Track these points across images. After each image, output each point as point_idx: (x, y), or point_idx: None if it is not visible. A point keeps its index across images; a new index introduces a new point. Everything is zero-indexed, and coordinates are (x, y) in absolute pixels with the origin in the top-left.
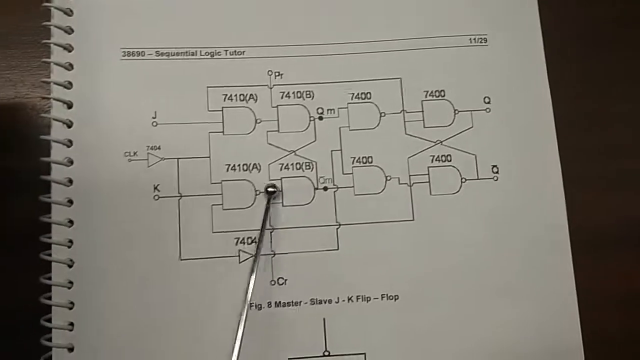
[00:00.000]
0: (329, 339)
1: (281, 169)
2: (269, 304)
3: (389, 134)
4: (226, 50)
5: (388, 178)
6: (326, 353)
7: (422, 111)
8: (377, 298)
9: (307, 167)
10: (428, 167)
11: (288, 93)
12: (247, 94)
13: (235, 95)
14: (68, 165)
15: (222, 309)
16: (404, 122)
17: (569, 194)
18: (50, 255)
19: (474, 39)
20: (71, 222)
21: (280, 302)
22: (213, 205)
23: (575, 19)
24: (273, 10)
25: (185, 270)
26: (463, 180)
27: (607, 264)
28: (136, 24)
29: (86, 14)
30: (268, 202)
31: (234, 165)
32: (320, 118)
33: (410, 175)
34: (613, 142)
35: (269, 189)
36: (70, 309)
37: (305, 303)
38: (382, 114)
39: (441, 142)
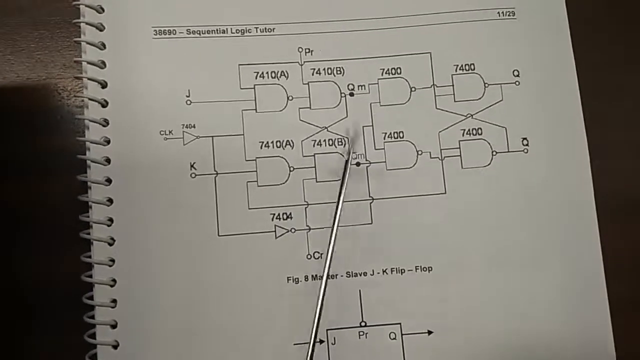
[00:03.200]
0: (365, 310)
1: (314, 146)
2: (306, 277)
3: (419, 108)
4: (256, 28)
5: (419, 152)
6: (363, 323)
7: (453, 85)
8: (411, 270)
9: (340, 143)
10: (459, 141)
11: (319, 70)
12: (278, 71)
13: (267, 72)
14: (105, 144)
15: (260, 283)
16: (435, 96)
17: (594, 163)
18: (89, 234)
19: (502, 12)
20: (110, 200)
21: (316, 275)
22: (248, 182)
23: None
24: None
25: (223, 246)
26: (494, 153)
27: (634, 230)
28: (167, 2)
29: None
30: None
31: (268, 143)
32: (352, 94)
33: (441, 149)
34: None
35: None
36: (112, 286)
37: (341, 276)
38: (413, 89)
39: (472, 115)
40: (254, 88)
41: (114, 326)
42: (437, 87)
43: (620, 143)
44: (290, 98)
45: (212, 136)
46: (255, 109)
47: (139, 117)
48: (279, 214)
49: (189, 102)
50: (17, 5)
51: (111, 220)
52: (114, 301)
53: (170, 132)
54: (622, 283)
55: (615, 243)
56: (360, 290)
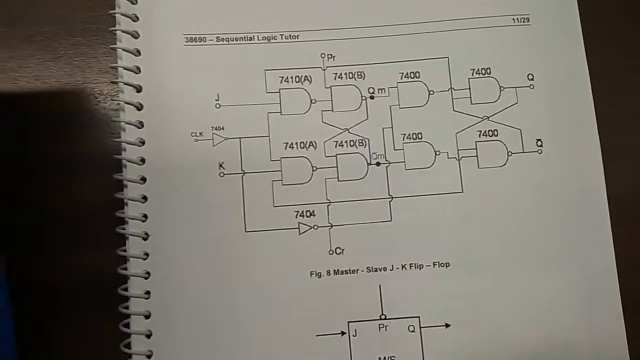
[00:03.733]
0: (385, 303)
1: (336, 146)
2: (328, 272)
3: (437, 111)
4: (282, 35)
5: (437, 153)
6: (382, 316)
7: (469, 88)
8: (429, 265)
9: (360, 144)
10: (475, 142)
11: (340, 74)
12: (302, 76)
13: (291, 77)
14: (140, 145)
15: (285, 277)
16: (452, 99)
17: (607, 165)
18: (125, 229)
19: (517, 18)
20: (145, 198)
21: (338, 270)
22: (273, 181)
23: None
24: None
25: (250, 242)
26: (509, 153)
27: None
28: (197, 11)
29: (150, 2)
30: None
31: (292, 144)
32: (372, 97)
33: (458, 150)
34: None
35: None
36: (146, 278)
37: (362, 271)
38: (431, 92)
39: (488, 117)
40: (279, 92)
41: (147, 316)
42: (454, 90)
43: (633, 146)
44: (313, 101)
45: (240, 137)
46: (280, 112)
47: (171, 120)
48: (302, 212)
49: (218, 106)
50: (56, 14)
51: (145, 216)
52: (148, 292)
53: (200, 133)
54: (637, 283)
55: (628, 243)
56: (380, 285)
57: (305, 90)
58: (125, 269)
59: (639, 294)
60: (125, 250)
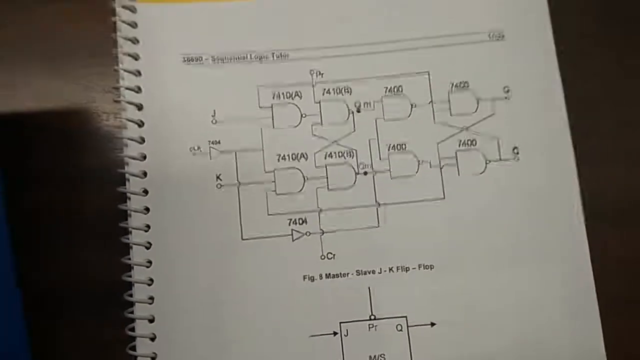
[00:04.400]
0: (374, 304)
1: (325, 157)
2: (320, 275)
3: (419, 123)
4: (273, 54)
5: (420, 162)
6: (372, 317)
7: (449, 101)
8: (415, 268)
9: (349, 155)
10: (456, 151)
11: (329, 89)
12: (292, 92)
13: (283, 93)
14: (142, 160)
15: (279, 281)
16: (433, 112)
17: (581, 169)
18: (129, 239)
19: (492, 34)
20: (147, 209)
21: (330, 274)
22: (267, 191)
23: (583, 10)
24: (313, 17)
25: (247, 249)
26: (487, 162)
27: (622, 233)
28: (193, 33)
29: (149, 25)
30: None
31: (284, 155)
32: (358, 111)
33: (440, 159)
34: (624, 119)
35: None
36: (150, 285)
37: (352, 274)
38: (413, 105)
39: (467, 128)
40: (272, 107)
41: (151, 320)
42: (434, 103)
43: (606, 150)
44: (303, 115)
45: (235, 151)
46: (273, 126)
47: (170, 136)
48: (295, 219)
49: (214, 121)
50: (62, 38)
51: (148, 226)
52: (152, 298)
53: (198, 148)
54: (611, 284)
55: (603, 244)
56: (369, 287)
57: (296, 105)
58: (130, 276)
59: (615, 295)
60: (130, 259)
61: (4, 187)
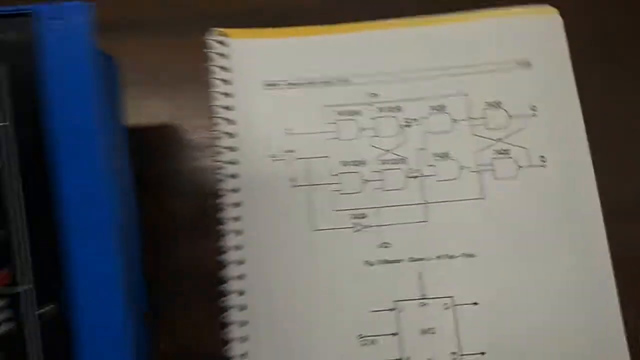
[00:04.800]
0: (424, 286)
1: (381, 164)
2: (378, 261)
3: (460, 135)
4: (337, 80)
5: (461, 168)
6: (422, 297)
7: (485, 117)
8: (458, 256)
9: (401, 162)
10: (492, 159)
11: (383, 108)
12: (353, 110)
13: (345, 111)
14: (233, 164)
15: (344, 265)
16: (471, 126)
17: (599, 175)
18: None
19: (520, 63)
20: (237, 204)
21: (386, 260)
22: (332, 190)
23: (595, 34)
24: (370, 49)
25: (317, 238)
26: (519, 167)
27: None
28: (272, 64)
29: (238, 56)
30: None
31: (347, 162)
32: (408, 125)
33: (478, 165)
34: (634, 132)
35: None
36: (240, 264)
37: (405, 261)
38: (454, 121)
39: (500, 139)
40: (336, 122)
41: (241, 293)
42: (472, 119)
43: (620, 157)
44: (362, 129)
45: (307, 158)
46: (337, 138)
47: (254, 145)
48: (356, 215)
49: (289, 134)
50: (165, 66)
51: (237, 218)
52: (242, 276)
53: (276, 155)
54: (628, 276)
55: (620, 239)
56: (420, 272)
57: (356, 121)
58: (224, 259)
59: (632, 284)
60: (225, 252)
61: (137, 192)
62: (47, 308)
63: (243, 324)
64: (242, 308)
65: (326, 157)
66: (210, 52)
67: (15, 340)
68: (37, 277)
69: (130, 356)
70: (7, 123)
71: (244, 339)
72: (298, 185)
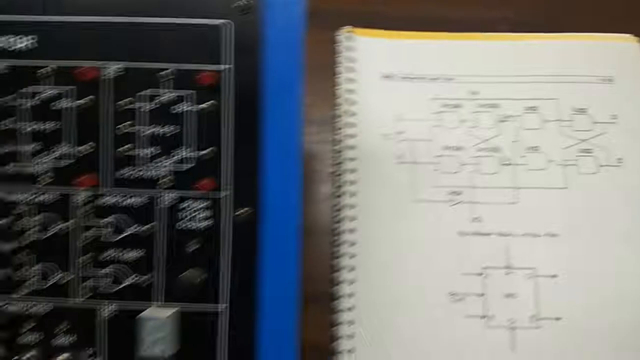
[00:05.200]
0: (510, 257)
1: (477, 151)
2: (471, 232)
3: (549, 133)
4: (443, 77)
5: (549, 161)
6: (508, 266)
7: (571, 120)
8: (543, 235)
9: (495, 151)
10: (576, 156)
11: (482, 105)
12: (455, 104)
13: (448, 104)
14: (353, 137)
15: (440, 235)
16: (559, 127)
17: None
18: (340, 199)
19: (604, 78)
20: (353, 181)
21: (477, 232)
22: (434, 169)
23: None
24: (474, 54)
25: (418, 209)
26: (600, 165)
27: None
28: (390, 59)
29: (363, 52)
30: None
31: (448, 146)
32: (503, 121)
33: (564, 160)
34: None
35: None
36: (353, 232)
37: (494, 235)
38: (545, 121)
39: (584, 140)
40: (440, 113)
41: (352, 256)
42: (561, 121)
43: None
44: (462, 121)
45: (414, 140)
46: (440, 126)
47: (370, 126)
48: (453, 191)
49: (400, 119)
50: None
51: (352, 182)
52: (353, 243)
53: (387, 135)
54: None
55: None
56: (507, 245)
57: (458, 113)
58: (340, 226)
59: None
60: (339, 210)
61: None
62: (241, 211)
63: (351, 268)
64: (352, 256)
65: (430, 140)
66: (339, 45)
67: (212, 235)
68: (237, 187)
69: (296, 272)
70: (230, 66)
71: (350, 295)
72: (404, 162)
